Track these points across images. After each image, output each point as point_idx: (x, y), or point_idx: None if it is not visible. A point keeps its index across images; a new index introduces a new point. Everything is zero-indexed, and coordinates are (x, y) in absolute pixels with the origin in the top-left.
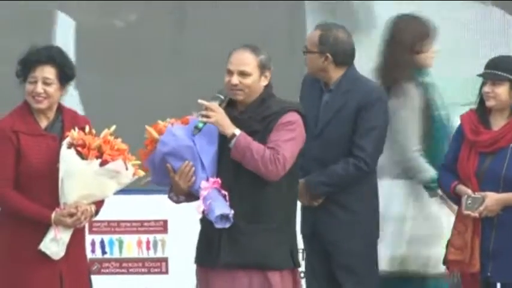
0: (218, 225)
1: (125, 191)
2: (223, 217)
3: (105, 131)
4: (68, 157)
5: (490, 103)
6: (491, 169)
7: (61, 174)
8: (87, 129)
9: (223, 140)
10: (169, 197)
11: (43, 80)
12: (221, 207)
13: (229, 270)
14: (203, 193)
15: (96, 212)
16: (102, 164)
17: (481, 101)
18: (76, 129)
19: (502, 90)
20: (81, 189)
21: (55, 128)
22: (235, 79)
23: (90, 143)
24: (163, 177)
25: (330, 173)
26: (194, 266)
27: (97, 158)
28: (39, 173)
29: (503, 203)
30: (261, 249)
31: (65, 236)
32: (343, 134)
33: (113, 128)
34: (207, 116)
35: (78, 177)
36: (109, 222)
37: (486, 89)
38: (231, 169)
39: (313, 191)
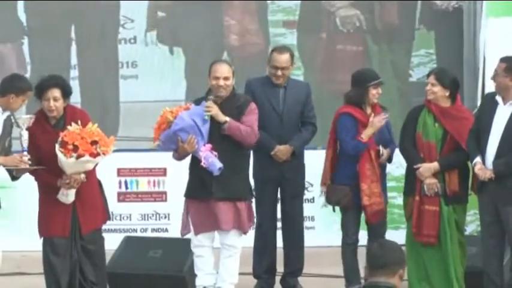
0: (215, 174)
1: (140, 150)
2: (219, 169)
3: (88, 127)
4: (58, 155)
5: (376, 100)
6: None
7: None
8: (79, 122)
9: (212, 122)
10: (173, 157)
11: (53, 98)
12: (218, 163)
13: (217, 201)
14: (202, 154)
15: (91, 176)
16: (77, 157)
17: (355, 98)
18: (72, 124)
19: (380, 91)
20: (70, 169)
21: (60, 125)
22: (221, 82)
23: (68, 142)
24: (171, 145)
25: (302, 139)
26: (183, 197)
27: (74, 152)
28: (50, 158)
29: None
30: (237, 188)
31: (70, 192)
32: (298, 115)
33: (96, 125)
34: (209, 111)
35: (66, 165)
36: (130, 169)
37: (373, 91)
38: (219, 139)
39: (297, 151)
